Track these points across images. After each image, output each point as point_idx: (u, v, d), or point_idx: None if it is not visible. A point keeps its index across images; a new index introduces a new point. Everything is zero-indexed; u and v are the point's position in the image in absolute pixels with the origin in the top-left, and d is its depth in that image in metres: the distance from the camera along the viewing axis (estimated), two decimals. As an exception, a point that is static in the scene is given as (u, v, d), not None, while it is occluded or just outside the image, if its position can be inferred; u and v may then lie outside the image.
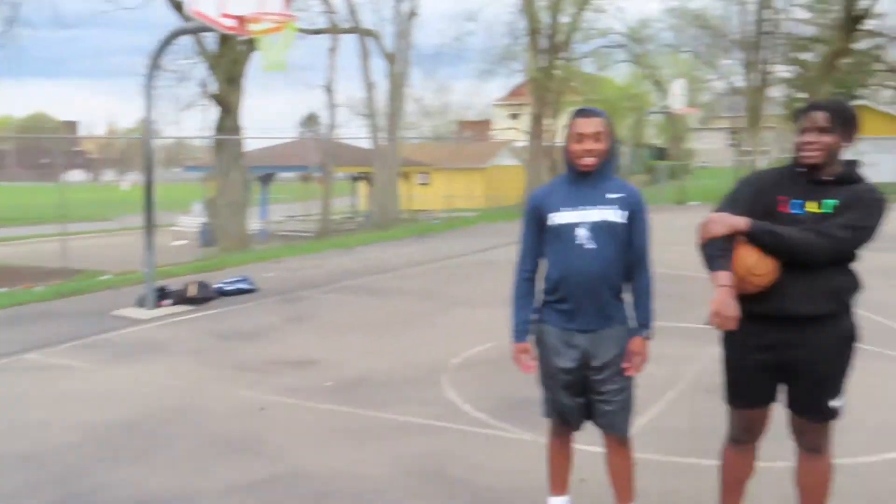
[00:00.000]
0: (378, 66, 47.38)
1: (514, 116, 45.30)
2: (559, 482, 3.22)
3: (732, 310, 2.65)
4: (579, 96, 32.71)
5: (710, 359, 5.55)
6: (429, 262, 12.62)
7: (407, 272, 11.64)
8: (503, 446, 4.38)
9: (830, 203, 2.69)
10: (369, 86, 22.12)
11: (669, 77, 38.67)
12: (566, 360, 2.97)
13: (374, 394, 5.41)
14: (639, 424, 4.54)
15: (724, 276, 2.69)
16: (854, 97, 37.10)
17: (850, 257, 2.74)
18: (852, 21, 22.97)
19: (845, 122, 2.70)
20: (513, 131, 37.11)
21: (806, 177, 2.75)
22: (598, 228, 2.90)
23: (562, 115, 31.02)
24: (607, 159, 2.95)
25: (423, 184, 31.56)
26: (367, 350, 6.69)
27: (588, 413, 3.08)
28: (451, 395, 5.33)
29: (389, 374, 5.91)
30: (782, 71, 35.04)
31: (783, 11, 30.50)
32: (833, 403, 2.80)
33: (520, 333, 3.09)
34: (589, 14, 27.93)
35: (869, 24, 28.47)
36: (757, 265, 2.68)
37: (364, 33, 21.53)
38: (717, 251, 2.74)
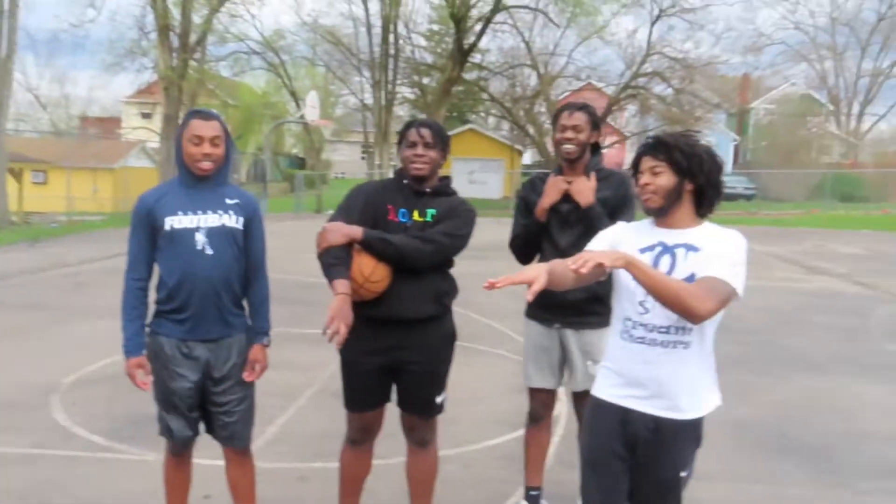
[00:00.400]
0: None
1: (146, 116, 42.41)
2: (176, 502, 3.05)
3: (348, 317, 2.76)
4: (215, 99, 31.87)
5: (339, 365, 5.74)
6: (43, 271, 11.19)
7: (14, 281, 10.20)
8: (121, 469, 4.04)
9: (431, 212, 2.95)
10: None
11: (306, 88, 39.64)
12: (186, 371, 2.84)
13: (-40, 428, 4.60)
14: (269, 433, 4.55)
15: (341, 285, 2.79)
16: (465, 121, 41.85)
17: (450, 263, 3.04)
18: (462, 53, 25.82)
19: (444, 141, 3.00)
20: (145, 131, 34.73)
21: (409, 188, 2.98)
22: (217, 234, 2.82)
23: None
24: (225, 164, 2.89)
25: (38, 183, 27.99)
26: (-49, 377, 5.67)
27: (205, 426, 2.98)
28: (61, 418, 4.76)
29: (-18, 402, 5.08)
30: (406, 92, 38.13)
31: (406, 38, 33.23)
32: (439, 399, 3.07)
33: (132, 347, 2.86)
34: (224, 17, 27.40)
35: (476, 58, 32.38)
36: (373, 272, 2.83)
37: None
38: (334, 259, 2.83)
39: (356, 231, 2.85)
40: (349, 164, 57.13)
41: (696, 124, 31.59)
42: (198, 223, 2.81)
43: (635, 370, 2.32)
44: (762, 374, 6.27)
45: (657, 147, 2.29)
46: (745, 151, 47.70)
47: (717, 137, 42.03)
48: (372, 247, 2.84)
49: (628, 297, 2.34)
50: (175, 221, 2.80)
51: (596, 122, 3.27)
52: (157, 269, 2.90)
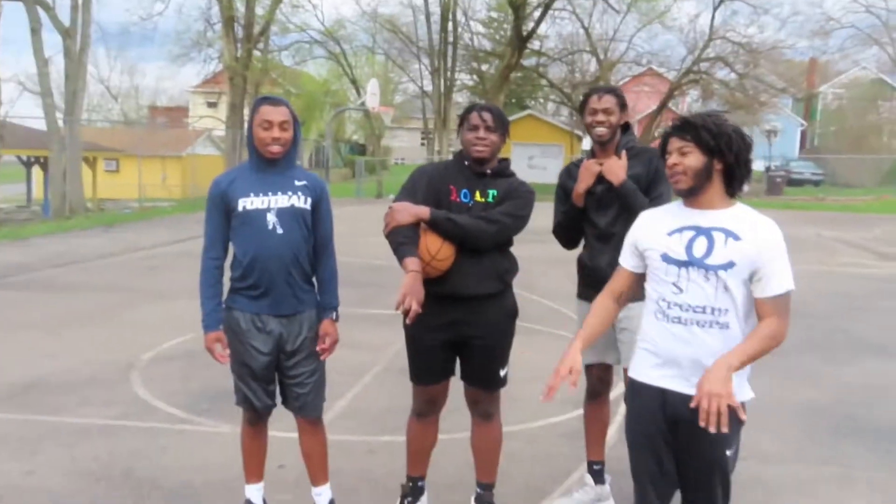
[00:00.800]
0: (54, 42, 42.37)
1: (212, 105, 43.44)
2: (253, 470, 3.20)
3: (420, 293, 2.85)
4: (279, 88, 32.45)
5: (404, 342, 5.90)
6: (118, 255, 11.68)
7: (92, 265, 10.65)
8: (199, 441, 4.23)
9: (492, 193, 3.02)
10: (42, 62, 19.70)
11: (366, 76, 40.02)
12: (260, 345, 2.97)
13: (49, 397, 4.89)
14: (337, 407, 4.70)
15: (412, 263, 2.87)
16: (524, 107, 41.63)
17: (510, 242, 3.11)
18: (521, 40, 25.68)
19: (505, 125, 3.06)
20: (211, 120, 35.64)
21: (470, 170, 3.04)
22: (287, 214, 2.94)
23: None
24: (293, 147, 3.00)
25: (111, 171, 29.02)
26: (41, 351, 6.01)
27: (280, 397, 3.11)
28: (142, 392, 5.01)
29: (68, 375, 5.38)
30: (465, 79, 38.15)
31: (465, 25, 33.20)
32: (502, 372, 3.15)
33: (211, 322, 3.01)
34: (286, 8, 27.87)
35: (535, 45, 32.15)
36: (440, 251, 2.92)
37: (33, 2, 19.11)
38: (403, 238, 2.92)
39: (423, 210, 2.93)
40: (409, 150, 57.44)
41: (761, 109, 30.85)
42: (268, 204, 2.93)
43: (672, 350, 2.32)
44: (829, 359, 6.16)
45: (684, 127, 2.27)
46: (812, 136, 46.21)
47: (784, 122, 40.84)
48: (438, 226, 2.92)
49: (661, 278, 2.35)
50: (248, 203, 2.93)
51: (624, 104, 3.29)
52: (231, 249, 3.05)
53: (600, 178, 3.26)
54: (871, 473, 3.90)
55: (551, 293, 8.49)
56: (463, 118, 3.07)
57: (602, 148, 3.30)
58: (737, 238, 2.24)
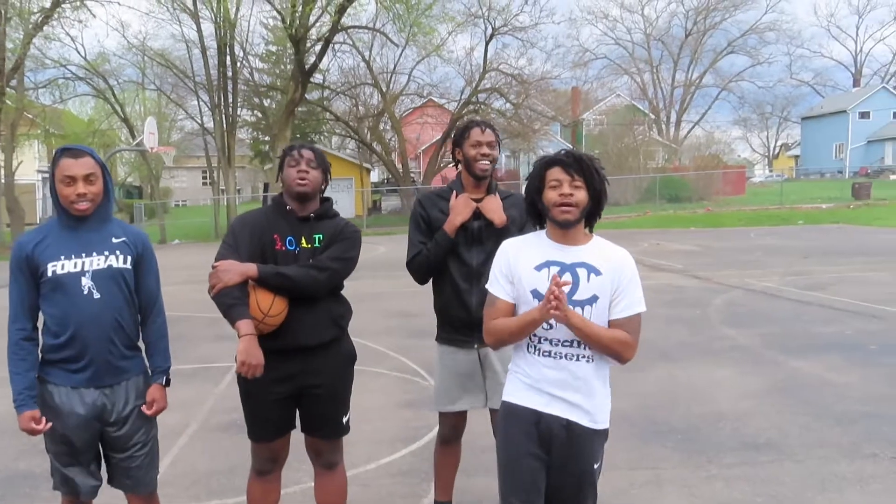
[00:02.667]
0: None
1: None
2: None
3: (258, 357, 2.76)
4: (38, 129, 29.68)
5: (218, 397, 5.60)
6: None
7: None
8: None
9: (318, 237, 2.98)
10: None
11: (137, 113, 37.76)
12: (80, 420, 2.70)
13: None
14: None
15: (245, 325, 2.76)
16: (311, 141, 41.42)
17: (341, 286, 3.09)
18: (304, 74, 25.60)
19: (326, 165, 3.03)
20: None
21: (293, 214, 2.98)
22: (104, 276, 2.71)
23: (20, 148, 27.74)
24: (105, 201, 2.78)
25: None
26: None
27: (106, 476, 2.85)
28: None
29: None
30: (248, 115, 37.23)
31: (243, 60, 32.47)
32: (344, 419, 3.11)
33: (25, 400, 2.69)
34: (39, 40, 25.61)
35: (318, 78, 32.21)
36: (272, 307, 2.83)
37: None
38: (232, 300, 2.80)
39: (251, 268, 2.84)
40: (190, 190, 54.98)
41: (535, 136, 33.20)
42: (82, 266, 2.69)
43: (544, 378, 2.45)
44: (623, 368, 6.67)
45: (579, 164, 2.39)
46: (579, 160, 50.36)
47: (555, 148, 44.00)
48: (268, 282, 2.83)
49: None
50: (58, 267, 2.67)
51: (499, 140, 3.33)
52: (42, 316, 2.75)
53: (475, 214, 3.23)
54: (676, 472, 4.30)
55: (360, 330, 8.44)
56: (282, 159, 3.01)
57: (478, 183, 3.27)
58: (598, 273, 2.41)
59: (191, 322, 9.16)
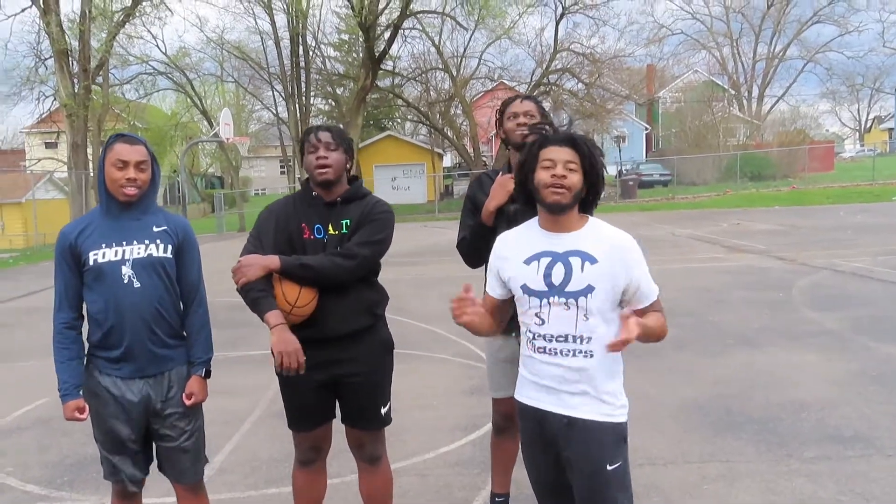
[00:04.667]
0: None
1: (51, 145, 40.62)
2: None
3: (294, 342, 2.69)
4: (123, 123, 30.84)
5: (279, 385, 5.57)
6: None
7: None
8: (61, 522, 3.80)
9: (345, 223, 2.87)
10: None
11: (217, 105, 38.76)
12: (125, 411, 2.69)
13: None
14: (216, 462, 4.37)
15: (273, 316, 2.71)
16: (383, 128, 41.76)
17: (376, 272, 2.97)
18: (374, 61, 25.71)
19: (346, 142, 2.90)
20: (51, 161, 33.29)
21: (320, 200, 2.88)
22: (144, 265, 2.68)
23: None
24: (151, 190, 2.75)
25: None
26: None
27: (149, 465, 2.83)
28: (-12, 473, 4.47)
29: None
30: (321, 104, 37.77)
31: (316, 49, 32.88)
32: (383, 410, 2.99)
33: (69, 389, 2.69)
34: (122, 39, 26.52)
35: (388, 65, 32.32)
36: (299, 298, 2.75)
37: None
38: (257, 293, 2.74)
39: (273, 261, 2.76)
40: (269, 179, 56.24)
41: (609, 116, 32.48)
42: (123, 255, 2.66)
43: (543, 375, 2.32)
44: (701, 354, 6.43)
45: (575, 144, 2.24)
46: (657, 139, 49.20)
47: (630, 127, 43.13)
48: (292, 274, 2.76)
49: (524, 309, 2.33)
50: (99, 255, 2.65)
51: (544, 112, 3.19)
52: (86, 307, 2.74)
53: (515, 196, 3.12)
54: (752, 465, 4.04)
55: (425, 316, 8.42)
56: (302, 144, 2.90)
57: None
58: (593, 261, 2.22)
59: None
